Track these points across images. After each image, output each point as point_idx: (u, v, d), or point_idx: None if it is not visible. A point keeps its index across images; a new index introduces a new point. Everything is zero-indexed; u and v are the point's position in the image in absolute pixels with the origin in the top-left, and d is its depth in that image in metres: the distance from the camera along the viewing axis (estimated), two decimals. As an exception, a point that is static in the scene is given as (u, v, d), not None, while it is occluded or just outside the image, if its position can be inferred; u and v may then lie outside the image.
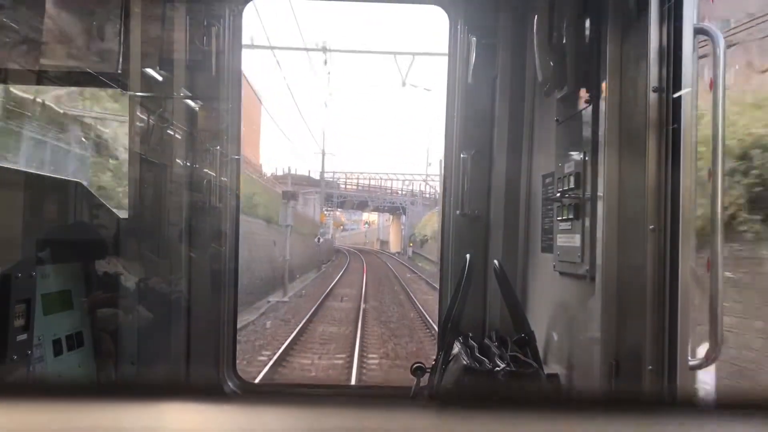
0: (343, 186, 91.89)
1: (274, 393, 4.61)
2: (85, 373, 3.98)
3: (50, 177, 3.80)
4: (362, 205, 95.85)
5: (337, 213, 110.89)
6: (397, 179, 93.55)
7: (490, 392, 3.27)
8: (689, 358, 2.77)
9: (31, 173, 3.61)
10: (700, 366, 2.75)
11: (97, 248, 4.22)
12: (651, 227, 2.93)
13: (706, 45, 2.80)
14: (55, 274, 3.81)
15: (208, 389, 4.39)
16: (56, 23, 4.01)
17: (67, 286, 3.93)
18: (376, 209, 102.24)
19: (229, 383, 4.48)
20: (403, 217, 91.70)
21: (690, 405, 1.69)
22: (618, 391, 3.06)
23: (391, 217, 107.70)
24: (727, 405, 1.38)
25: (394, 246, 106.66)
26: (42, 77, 4.37)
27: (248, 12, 4.56)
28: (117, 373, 4.16)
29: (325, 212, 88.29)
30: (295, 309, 26.64)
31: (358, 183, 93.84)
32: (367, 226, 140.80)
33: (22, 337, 3.29)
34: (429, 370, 4.02)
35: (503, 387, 3.40)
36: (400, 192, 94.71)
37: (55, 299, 3.78)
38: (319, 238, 56.95)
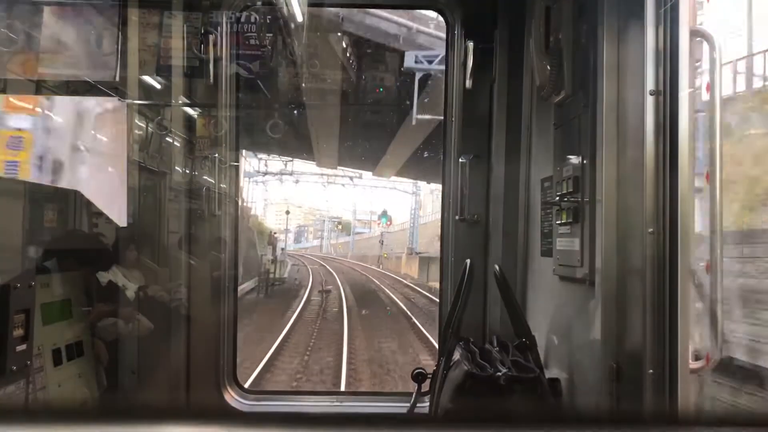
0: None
1: (275, 401, 4.60)
2: (85, 382, 3.97)
3: (49, 186, 3.80)
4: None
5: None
6: None
7: (487, 410, 3.28)
8: (690, 361, 2.76)
9: (28, 182, 3.60)
10: (701, 369, 2.75)
11: (97, 257, 4.22)
12: (650, 230, 2.93)
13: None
14: (54, 283, 3.80)
15: (209, 397, 4.39)
16: (54, 33, 4.01)
17: (67, 296, 3.92)
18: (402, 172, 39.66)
19: (230, 390, 4.47)
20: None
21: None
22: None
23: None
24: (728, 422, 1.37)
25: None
26: (40, 86, 4.38)
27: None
28: (117, 382, 4.15)
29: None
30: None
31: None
32: (384, 223, 58.65)
33: (22, 347, 3.28)
34: (430, 376, 4.02)
35: (504, 394, 3.39)
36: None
37: (54, 309, 3.77)
38: None
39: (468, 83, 4.52)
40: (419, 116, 20.13)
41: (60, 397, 3.67)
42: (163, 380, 4.27)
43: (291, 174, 42.53)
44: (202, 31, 4.36)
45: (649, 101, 2.93)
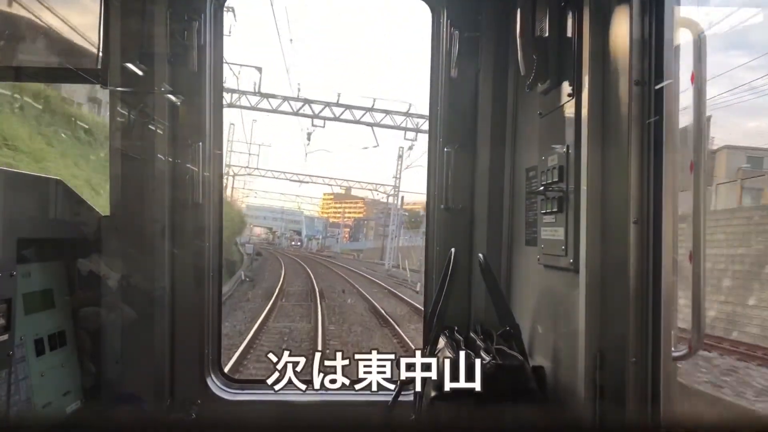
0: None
1: (259, 389, 4.59)
2: (69, 372, 3.94)
3: (29, 174, 3.75)
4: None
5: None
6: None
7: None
8: (672, 349, 2.79)
9: (9, 171, 3.55)
10: (683, 357, 2.78)
11: (79, 246, 4.18)
12: (634, 220, 2.95)
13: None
14: (36, 272, 3.76)
15: (193, 386, 4.38)
16: (34, 18, 3.94)
17: (49, 285, 3.88)
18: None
19: (214, 380, 4.46)
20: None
21: None
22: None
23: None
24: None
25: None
26: (20, 73, 4.31)
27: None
28: (100, 371, 4.13)
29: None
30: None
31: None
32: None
33: (3, 337, 3.25)
34: None
35: (488, 383, 3.40)
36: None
37: (36, 298, 3.73)
38: None
39: (453, 72, 4.52)
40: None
41: (43, 390, 3.64)
42: (147, 369, 4.24)
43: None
44: (185, 18, 4.30)
45: (635, 91, 2.95)
